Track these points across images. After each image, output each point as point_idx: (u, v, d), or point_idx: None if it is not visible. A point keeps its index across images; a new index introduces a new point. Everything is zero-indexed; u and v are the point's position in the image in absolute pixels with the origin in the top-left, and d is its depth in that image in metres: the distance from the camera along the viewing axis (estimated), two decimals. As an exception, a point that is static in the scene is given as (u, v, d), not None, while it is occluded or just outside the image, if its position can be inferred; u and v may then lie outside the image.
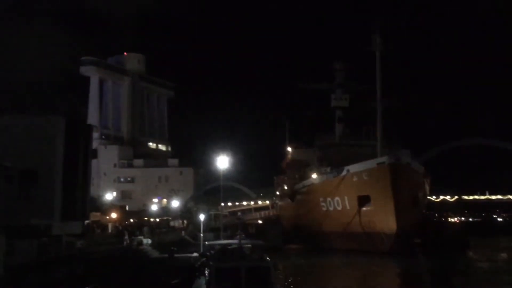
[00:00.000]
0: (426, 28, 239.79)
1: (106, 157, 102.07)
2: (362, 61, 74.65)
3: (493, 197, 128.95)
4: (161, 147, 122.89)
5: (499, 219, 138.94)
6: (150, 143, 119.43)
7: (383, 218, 57.64)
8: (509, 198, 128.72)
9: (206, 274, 19.87)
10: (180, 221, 76.29)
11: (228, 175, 71.65)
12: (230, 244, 22.49)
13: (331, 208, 65.62)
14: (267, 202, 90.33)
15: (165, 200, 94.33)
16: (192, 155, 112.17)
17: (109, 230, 54.73)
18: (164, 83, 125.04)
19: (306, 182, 75.05)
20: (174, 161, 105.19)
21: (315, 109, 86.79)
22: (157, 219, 76.64)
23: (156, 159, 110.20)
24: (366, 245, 57.94)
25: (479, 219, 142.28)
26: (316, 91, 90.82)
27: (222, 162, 52.11)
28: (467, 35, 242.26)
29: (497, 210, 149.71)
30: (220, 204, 73.95)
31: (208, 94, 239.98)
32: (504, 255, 59.22)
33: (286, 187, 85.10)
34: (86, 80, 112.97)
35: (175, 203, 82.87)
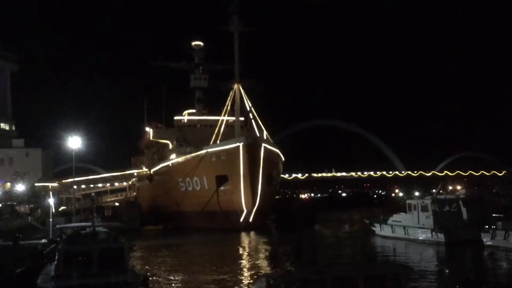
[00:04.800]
0: (289, 9, 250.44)
1: None
2: (224, 42, 75.31)
3: (339, 174, 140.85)
4: (4, 126, 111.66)
5: (343, 194, 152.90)
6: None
7: (240, 196, 59.65)
8: (352, 175, 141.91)
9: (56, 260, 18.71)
10: (27, 206, 70.61)
11: (81, 156, 67.94)
12: (83, 228, 21.45)
13: (190, 188, 65.96)
14: (124, 183, 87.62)
15: (8, 184, 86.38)
16: (40, 135, 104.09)
17: None
18: (6, 55, 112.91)
19: (165, 163, 74.29)
20: (19, 142, 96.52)
21: (176, 88, 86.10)
22: (0, 205, 69.90)
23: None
24: (224, 223, 59.45)
25: (326, 195, 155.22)
26: (177, 71, 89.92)
27: (74, 142, 49.27)
28: (330, 19, 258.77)
29: (342, 186, 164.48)
30: (72, 187, 70.02)
31: (59, 69, 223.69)
32: (345, 227, 64.99)
33: (144, 168, 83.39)
34: None
35: (21, 187, 76.31)
